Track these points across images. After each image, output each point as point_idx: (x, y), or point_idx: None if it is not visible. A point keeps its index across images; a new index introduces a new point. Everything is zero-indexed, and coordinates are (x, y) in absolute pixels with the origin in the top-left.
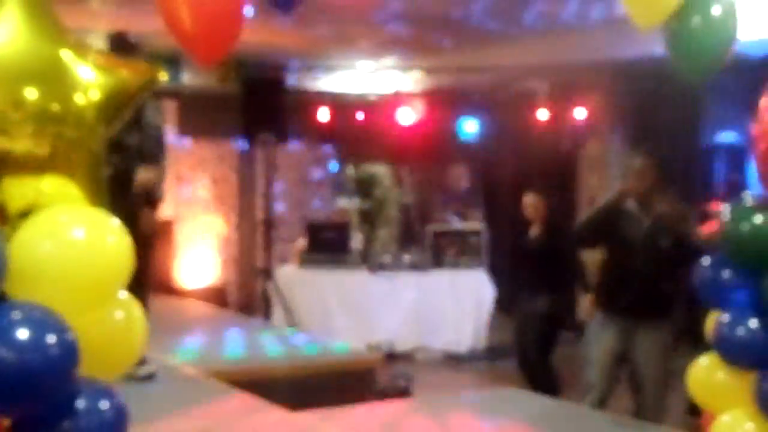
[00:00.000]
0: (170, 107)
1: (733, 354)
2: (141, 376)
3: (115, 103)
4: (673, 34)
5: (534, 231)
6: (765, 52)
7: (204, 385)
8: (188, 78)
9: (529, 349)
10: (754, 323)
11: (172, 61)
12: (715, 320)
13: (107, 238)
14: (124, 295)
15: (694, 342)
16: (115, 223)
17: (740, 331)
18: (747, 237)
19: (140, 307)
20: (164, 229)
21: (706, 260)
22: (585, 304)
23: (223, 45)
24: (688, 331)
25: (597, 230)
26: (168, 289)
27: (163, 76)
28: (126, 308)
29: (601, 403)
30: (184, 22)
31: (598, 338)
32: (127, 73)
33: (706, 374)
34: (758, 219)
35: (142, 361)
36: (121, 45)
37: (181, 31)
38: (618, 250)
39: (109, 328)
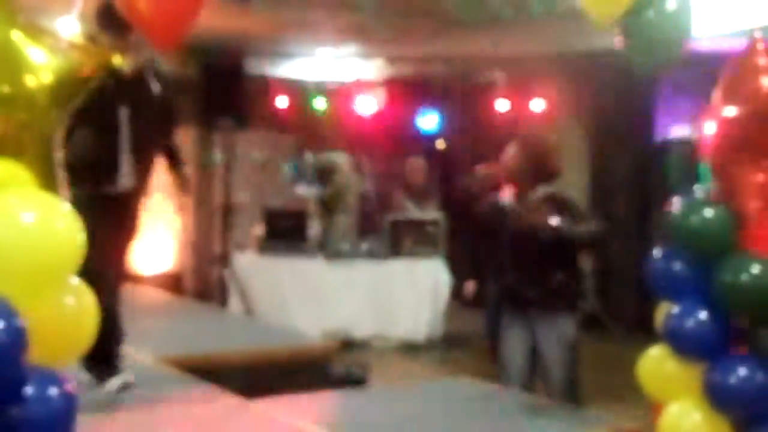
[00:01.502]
0: None
1: (682, 345)
2: (116, 389)
3: (69, 87)
4: (628, 29)
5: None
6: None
7: (158, 372)
8: None
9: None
10: (703, 314)
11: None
12: (665, 311)
13: (58, 222)
14: (75, 280)
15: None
16: (66, 207)
17: (690, 323)
18: (697, 229)
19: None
20: None
21: (657, 252)
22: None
23: (180, 29)
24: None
25: (481, 221)
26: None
27: (119, 60)
28: (77, 294)
29: None
30: (140, 5)
31: (506, 337)
32: (82, 56)
33: (655, 364)
34: (708, 212)
35: (112, 371)
36: (110, 16)
37: (137, 15)
38: (501, 244)
39: (60, 314)
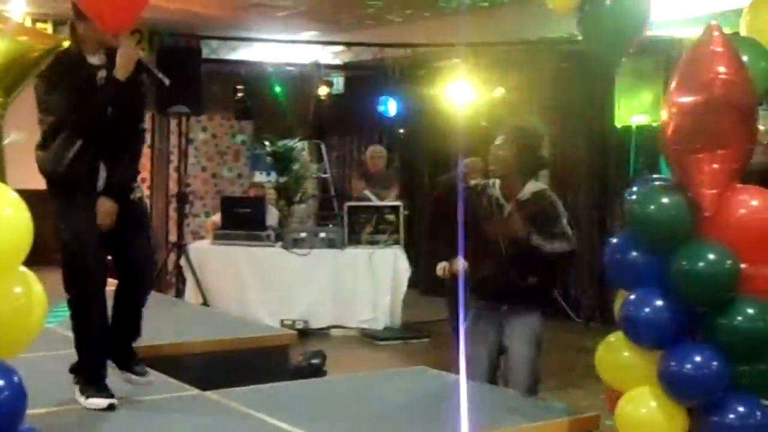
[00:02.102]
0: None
1: (638, 333)
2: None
3: (14, 70)
4: (586, 17)
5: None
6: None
7: (110, 363)
8: None
9: None
10: (659, 303)
11: (62, 24)
12: (622, 300)
13: (5, 210)
14: (23, 269)
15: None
16: (13, 195)
17: (646, 311)
18: (653, 218)
19: None
20: None
21: (614, 240)
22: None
23: (129, 12)
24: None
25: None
26: None
27: (66, 43)
28: (25, 283)
29: None
30: None
31: (473, 332)
32: (28, 40)
33: (613, 352)
34: (664, 200)
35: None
36: None
37: None
38: (480, 241)
39: (7, 303)
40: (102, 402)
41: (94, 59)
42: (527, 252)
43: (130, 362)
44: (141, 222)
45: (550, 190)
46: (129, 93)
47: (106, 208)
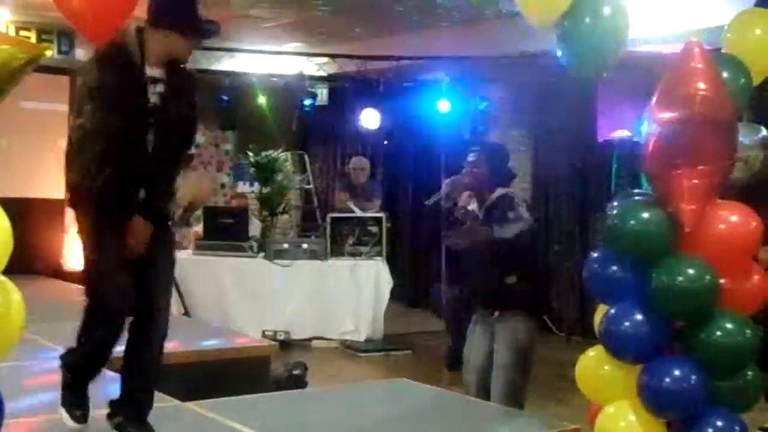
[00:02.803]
0: (62, 83)
1: (618, 347)
2: None
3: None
4: (565, 33)
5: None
6: (660, 51)
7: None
8: (82, 53)
9: None
10: (639, 317)
11: (66, 35)
12: (602, 314)
13: None
14: (2, 278)
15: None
16: None
17: (625, 325)
18: (633, 233)
19: None
20: (55, 211)
21: (595, 254)
22: None
23: (113, 21)
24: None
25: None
26: (57, 272)
27: (49, 52)
28: (3, 291)
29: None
30: None
31: (469, 338)
32: (10, 49)
33: (593, 366)
34: (644, 215)
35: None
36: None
37: (68, 6)
38: (465, 254)
39: None
40: (67, 418)
41: (154, 71)
42: (499, 250)
43: (130, 425)
44: (169, 250)
45: (514, 192)
46: (184, 118)
47: (140, 232)
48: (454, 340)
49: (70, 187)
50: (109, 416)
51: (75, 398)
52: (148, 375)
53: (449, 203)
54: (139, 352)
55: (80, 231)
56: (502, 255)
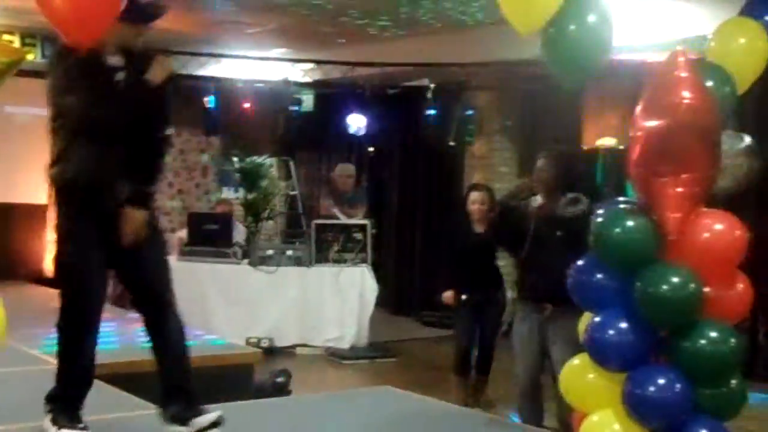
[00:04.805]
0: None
1: (603, 356)
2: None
3: None
4: (550, 41)
5: (480, 227)
6: (645, 59)
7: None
8: None
9: (490, 337)
10: (624, 326)
11: (50, 39)
12: (587, 322)
13: None
14: None
15: None
16: None
17: (610, 333)
18: (618, 241)
19: None
20: (38, 216)
21: (580, 262)
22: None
23: (96, 26)
24: None
25: (511, 229)
26: (39, 278)
27: (32, 56)
28: None
29: (527, 395)
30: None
31: (519, 332)
32: None
33: (578, 374)
34: (629, 223)
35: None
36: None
37: (51, 11)
38: (530, 247)
39: None
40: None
41: (113, 60)
42: (568, 243)
43: (185, 412)
44: (159, 239)
45: (580, 195)
46: (154, 96)
47: (135, 219)
48: (466, 345)
49: (58, 189)
50: (162, 414)
51: (71, 418)
52: (181, 366)
53: (515, 201)
54: (165, 350)
55: (60, 232)
56: (571, 237)
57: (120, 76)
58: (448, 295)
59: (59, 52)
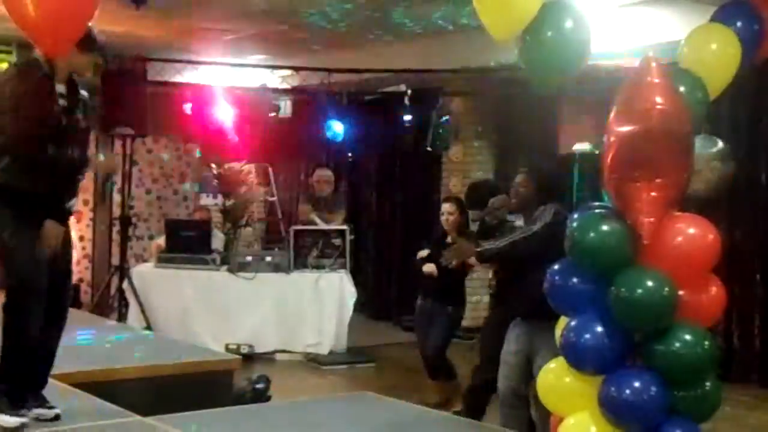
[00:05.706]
0: None
1: (579, 359)
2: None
3: None
4: (527, 46)
5: (451, 237)
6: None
7: (50, 388)
8: None
9: (439, 347)
10: (599, 329)
11: (24, 47)
12: (563, 326)
13: None
14: None
15: None
16: None
17: (586, 337)
18: (593, 245)
19: None
20: None
21: (555, 266)
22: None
23: (70, 35)
24: None
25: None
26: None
27: (5, 65)
28: None
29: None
30: (28, 8)
31: (507, 339)
32: None
33: (554, 378)
34: (604, 228)
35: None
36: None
37: (24, 18)
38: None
39: None
40: (12, 420)
41: (60, 87)
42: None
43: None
44: (69, 241)
45: (557, 207)
46: (82, 138)
47: (57, 233)
48: (422, 352)
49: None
50: (19, 406)
51: (13, 405)
52: (53, 358)
53: (493, 221)
54: (52, 341)
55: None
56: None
57: (62, 102)
58: (429, 269)
59: (24, 67)
